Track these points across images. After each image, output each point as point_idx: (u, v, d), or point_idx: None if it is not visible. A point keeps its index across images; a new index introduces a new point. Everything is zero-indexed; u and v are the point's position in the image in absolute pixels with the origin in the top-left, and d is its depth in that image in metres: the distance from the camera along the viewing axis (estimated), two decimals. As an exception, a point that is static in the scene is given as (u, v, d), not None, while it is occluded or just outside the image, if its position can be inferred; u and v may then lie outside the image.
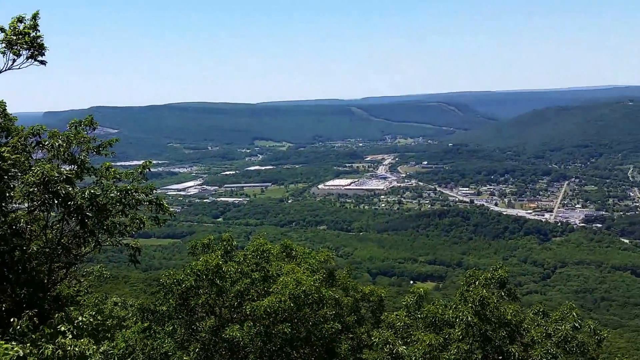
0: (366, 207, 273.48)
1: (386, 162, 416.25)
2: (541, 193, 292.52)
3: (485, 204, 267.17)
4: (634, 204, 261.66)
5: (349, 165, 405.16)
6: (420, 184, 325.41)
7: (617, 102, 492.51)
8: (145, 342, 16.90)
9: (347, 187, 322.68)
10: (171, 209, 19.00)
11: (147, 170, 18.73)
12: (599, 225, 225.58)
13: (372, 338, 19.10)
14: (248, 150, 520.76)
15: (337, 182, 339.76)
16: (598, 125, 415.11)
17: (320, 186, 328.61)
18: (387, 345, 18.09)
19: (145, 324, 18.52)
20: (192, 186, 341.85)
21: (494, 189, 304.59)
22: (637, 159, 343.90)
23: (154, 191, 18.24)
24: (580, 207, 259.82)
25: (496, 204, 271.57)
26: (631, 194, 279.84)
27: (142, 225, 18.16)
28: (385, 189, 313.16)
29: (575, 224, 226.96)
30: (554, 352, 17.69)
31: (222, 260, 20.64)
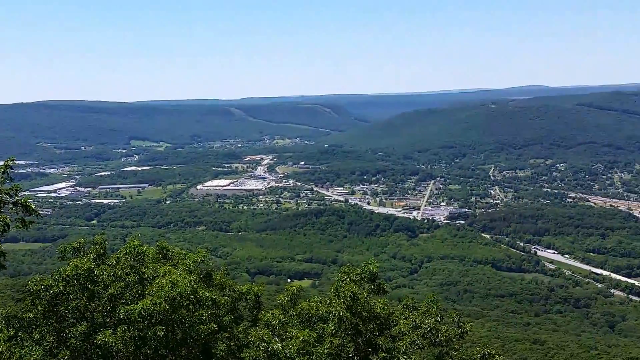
0: (245, 207, 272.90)
1: (265, 162, 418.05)
2: (410, 192, 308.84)
3: (359, 203, 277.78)
4: (495, 201, 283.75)
5: (228, 165, 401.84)
6: (298, 184, 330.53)
7: (480, 104, 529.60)
8: (12, 351, 16.00)
9: (226, 187, 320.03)
10: (40, 211, 18.11)
11: (10, 169, 17.70)
12: (462, 221, 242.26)
13: (249, 337, 19.27)
14: (124, 151, 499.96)
15: (216, 182, 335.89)
16: (462, 127, 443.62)
17: (199, 187, 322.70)
18: (263, 344, 18.29)
19: (12, 332, 17.52)
20: (64, 187, 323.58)
21: (366, 188, 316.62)
22: (498, 159, 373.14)
23: (20, 192, 17.33)
24: (445, 205, 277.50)
25: (369, 203, 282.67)
26: (492, 192, 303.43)
27: (6, 228, 17.21)
28: (263, 189, 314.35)
29: (441, 221, 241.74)
30: (420, 343, 18.69)
31: (94, 263, 20.00)
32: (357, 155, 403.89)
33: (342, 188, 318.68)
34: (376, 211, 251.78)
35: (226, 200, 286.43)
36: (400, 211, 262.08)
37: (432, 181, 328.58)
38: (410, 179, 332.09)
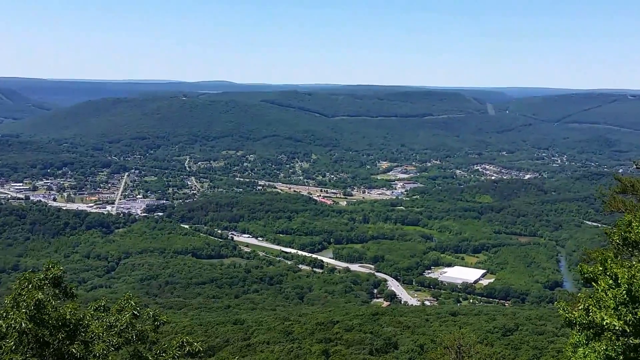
0: None
1: None
2: (102, 185, 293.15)
3: (43, 200, 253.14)
4: (192, 191, 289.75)
5: None
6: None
7: (172, 96, 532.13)
8: None
9: None
10: None
11: None
12: (161, 213, 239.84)
13: None
14: None
15: None
16: (155, 118, 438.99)
17: None
18: None
19: None
20: None
21: (51, 183, 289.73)
22: (192, 150, 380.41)
23: None
24: (141, 198, 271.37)
25: (55, 199, 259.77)
26: (189, 183, 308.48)
27: None
28: None
29: (138, 214, 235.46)
30: (116, 342, 17.54)
31: None
32: (38, 147, 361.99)
33: (21, 184, 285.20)
34: (64, 208, 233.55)
35: None
36: (92, 206, 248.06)
37: (127, 173, 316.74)
38: (102, 172, 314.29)
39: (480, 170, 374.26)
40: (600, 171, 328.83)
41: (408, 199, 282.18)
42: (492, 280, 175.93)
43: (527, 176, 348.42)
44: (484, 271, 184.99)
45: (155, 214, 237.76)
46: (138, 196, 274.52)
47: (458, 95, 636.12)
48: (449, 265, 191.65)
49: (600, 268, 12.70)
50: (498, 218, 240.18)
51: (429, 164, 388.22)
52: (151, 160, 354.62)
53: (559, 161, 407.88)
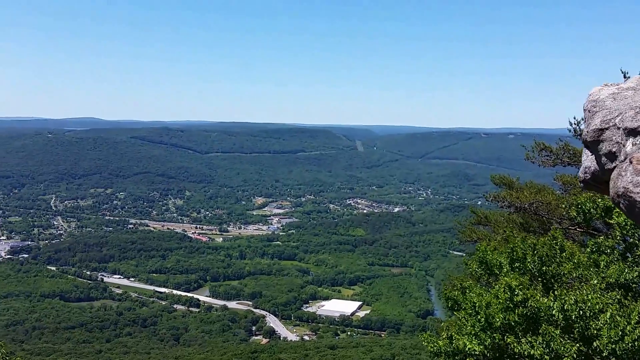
0: None
1: None
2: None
3: None
4: (59, 232, 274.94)
5: None
6: None
7: (37, 133, 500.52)
8: None
9: None
10: None
11: None
12: (26, 255, 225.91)
13: None
14: None
15: None
16: (19, 156, 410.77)
17: None
18: None
19: None
20: None
21: None
22: (58, 189, 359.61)
23: None
24: (5, 239, 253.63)
25: None
26: (55, 223, 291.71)
27: None
28: None
29: (1, 257, 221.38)
30: None
31: None
32: None
33: None
34: None
35: None
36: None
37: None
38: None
39: (352, 204, 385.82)
40: (461, 203, 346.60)
41: (284, 233, 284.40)
42: (368, 311, 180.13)
43: (397, 209, 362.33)
44: (360, 303, 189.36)
45: (20, 256, 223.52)
46: (2, 237, 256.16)
47: (328, 133, 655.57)
48: (326, 298, 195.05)
49: (461, 296, 13.37)
50: (371, 250, 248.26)
51: (303, 199, 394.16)
52: (15, 200, 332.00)
53: (424, 195, 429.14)
